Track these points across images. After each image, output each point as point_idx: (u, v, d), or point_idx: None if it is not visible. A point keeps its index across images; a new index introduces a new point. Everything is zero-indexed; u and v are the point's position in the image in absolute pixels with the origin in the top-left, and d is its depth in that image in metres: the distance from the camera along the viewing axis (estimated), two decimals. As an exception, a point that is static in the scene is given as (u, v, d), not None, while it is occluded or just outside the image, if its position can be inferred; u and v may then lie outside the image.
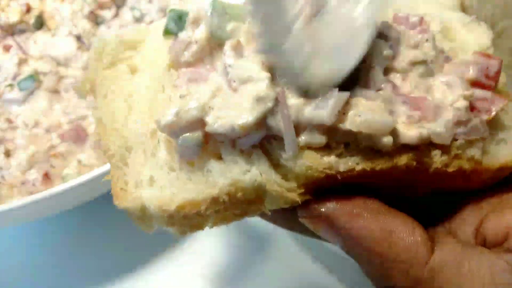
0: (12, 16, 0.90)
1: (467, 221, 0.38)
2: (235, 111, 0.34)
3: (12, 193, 0.76)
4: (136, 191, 0.37)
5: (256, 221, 0.44)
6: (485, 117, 0.38)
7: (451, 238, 0.36)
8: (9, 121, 0.84)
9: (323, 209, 0.35)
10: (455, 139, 0.37)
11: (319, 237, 0.40)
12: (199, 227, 0.37)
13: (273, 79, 0.35)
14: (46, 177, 0.77)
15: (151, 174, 0.37)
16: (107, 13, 0.93)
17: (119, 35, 0.44)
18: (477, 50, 0.42)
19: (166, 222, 0.37)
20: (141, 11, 0.93)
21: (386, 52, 0.38)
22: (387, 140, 0.34)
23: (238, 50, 0.37)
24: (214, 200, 0.35)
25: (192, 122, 0.35)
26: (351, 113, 0.34)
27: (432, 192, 0.41)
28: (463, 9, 0.99)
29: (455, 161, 0.37)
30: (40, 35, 0.91)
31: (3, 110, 0.85)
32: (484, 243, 0.37)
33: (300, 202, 0.35)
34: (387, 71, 0.38)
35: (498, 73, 0.40)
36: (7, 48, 0.90)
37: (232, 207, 0.36)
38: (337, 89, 0.34)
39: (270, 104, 0.34)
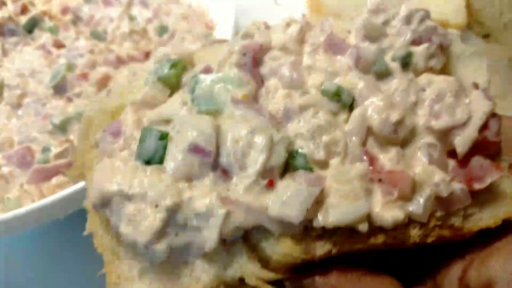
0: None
1: (451, 272, 0.38)
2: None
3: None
4: (127, 285, 0.38)
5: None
6: (477, 186, 0.36)
7: None
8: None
9: (304, 282, 0.36)
10: (434, 211, 0.36)
11: None
12: None
13: None
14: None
15: (141, 267, 0.38)
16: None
17: (101, 105, 0.43)
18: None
19: None
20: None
21: (367, 122, 0.37)
22: (362, 227, 0.34)
23: None
24: None
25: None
26: (321, 212, 0.34)
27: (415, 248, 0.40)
28: (468, 6, 0.96)
29: (434, 231, 0.37)
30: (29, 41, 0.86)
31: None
32: None
33: None
34: (366, 140, 0.37)
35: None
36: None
37: None
38: (306, 183, 0.34)
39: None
